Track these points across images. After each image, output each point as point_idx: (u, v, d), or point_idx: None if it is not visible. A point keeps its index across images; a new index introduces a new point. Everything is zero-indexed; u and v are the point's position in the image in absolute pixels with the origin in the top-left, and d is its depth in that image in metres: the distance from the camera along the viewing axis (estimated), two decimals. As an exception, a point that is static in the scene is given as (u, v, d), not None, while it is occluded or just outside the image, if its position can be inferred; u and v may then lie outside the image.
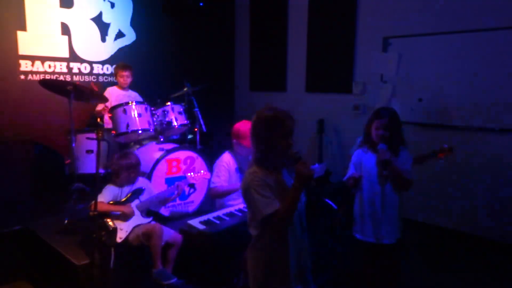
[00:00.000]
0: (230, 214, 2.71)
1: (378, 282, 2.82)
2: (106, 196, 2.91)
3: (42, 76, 4.46)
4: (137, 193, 3.03)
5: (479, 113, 4.08)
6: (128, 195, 3.00)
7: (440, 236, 4.35)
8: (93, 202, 2.55)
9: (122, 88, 4.55)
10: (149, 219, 3.03)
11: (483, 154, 4.11)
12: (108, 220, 2.86)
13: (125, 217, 2.88)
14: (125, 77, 4.48)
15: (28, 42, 4.35)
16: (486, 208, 4.11)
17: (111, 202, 2.92)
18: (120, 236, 2.84)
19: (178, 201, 3.62)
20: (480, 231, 4.16)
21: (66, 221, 3.41)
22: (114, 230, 2.83)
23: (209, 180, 3.19)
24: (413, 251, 3.84)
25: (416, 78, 4.48)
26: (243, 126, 3.03)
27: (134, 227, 2.91)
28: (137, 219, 2.96)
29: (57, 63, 4.61)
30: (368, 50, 4.88)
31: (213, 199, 3.29)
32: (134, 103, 3.78)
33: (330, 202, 2.20)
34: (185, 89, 4.54)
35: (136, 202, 2.99)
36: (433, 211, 4.43)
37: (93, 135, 3.68)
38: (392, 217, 2.59)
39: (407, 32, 4.51)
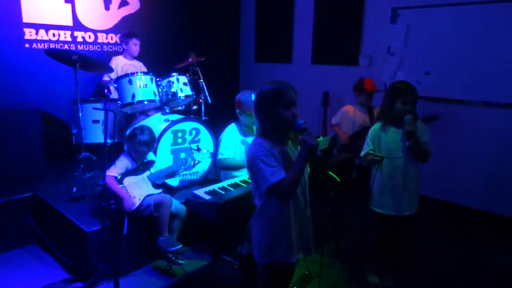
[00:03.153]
0: (234, 185, 2.76)
1: (385, 251, 2.93)
2: (119, 168, 2.98)
3: (46, 45, 4.44)
4: (148, 165, 3.09)
5: (487, 87, 4.05)
6: (140, 167, 3.09)
7: (445, 211, 4.42)
8: (103, 174, 2.60)
9: (132, 57, 4.53)
10: (160, 190, 3.12)
11: (489, 128, 4.10)
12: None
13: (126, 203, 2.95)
14: (138, 46, 4.47)
15: (31, 10, 4.30)
16: (491, 181, 4.15)
17: (123, 173, 3.00)
18: (134, 204, 2.93)
19: (183, 171, 3.67)
20: (488, 206, 4.21)
21: (74, 190, 3.49)
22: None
23: (217, 151, 3.23)
24: (421, 225, 3.92)
25: (424, 50, 4.42)
26: (244, 95, 3.07)
27: (146, 197, 2.99)
28: (149, 189, 3.04)
29: (61, 32, 4.57)
30: (376, 22, 4.79)
31: (220, 170, 3.34)
32: (139, 74, 3.77)
33: (334, 175, 2.24)
34: (190, 59, 4.51)
35: (147, 172, 3.06)
36: (438, 186, 4.48)
37: (100, 105, 3.72)
38: (413, 188, 2.69)
39: (417, 3, 4.40)
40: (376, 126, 2.75)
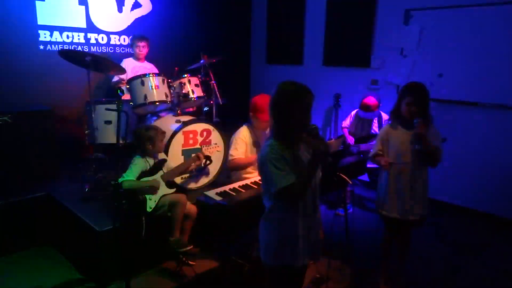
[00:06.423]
0: (245, 186, 2.75)
1: (393, 256, 2.89)
2: (135, 172, 2.92)
3: (60, 47, 4.50)
4: (160, 164, 3.09)
5: (501, 90, 3.98)
6: (155, 167, 3.07)
7: (457, 215, 4.35)
8: (115, 174, 2.60)
9: (138, 59, 4.56)
10: (174, 190, 3.12)
11: (504, 131, 4.03)
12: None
13: (153, 190, 2.95)
14: (141, 47, 4.48)
15: (46, 12, 4.36)
16: (505, 186, 4.07)
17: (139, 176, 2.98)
18: (150, 206, 2.93)
19: (195, 172, 3.69)
20: (500, 210, 4.14)
21: (86, 189, 3.52)
22: (144, 200, 2.92)
23: (227, 152, 3.24)
24: (431, 229, 3.87)
25: (437, 52, 4.37)
26: (261, 100, 3.03)
27: (161, 197, 2.99)
28: (163, 189, 3.04)
29: (75, 34, 4.63)
30: (389, 23, 4.75)
31: (230, 171, 3.34)
32: (151, 75, 3.80)
33: (344, 177, 2.22)
34: (202, 61, 4.53)
35: (160, 172, 3.07)
36: (450, 190, 4.41)
37: (112, 106, 3.75)
38: (419, 193, 2.61)
39: (430, 4, 4.36)
40: (387, 126, 2.73)
